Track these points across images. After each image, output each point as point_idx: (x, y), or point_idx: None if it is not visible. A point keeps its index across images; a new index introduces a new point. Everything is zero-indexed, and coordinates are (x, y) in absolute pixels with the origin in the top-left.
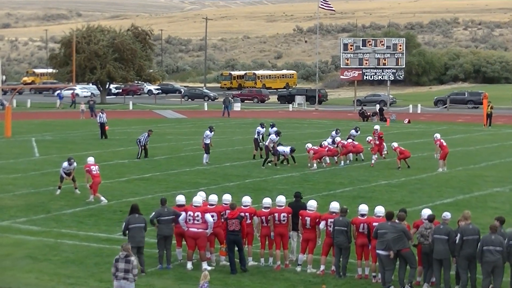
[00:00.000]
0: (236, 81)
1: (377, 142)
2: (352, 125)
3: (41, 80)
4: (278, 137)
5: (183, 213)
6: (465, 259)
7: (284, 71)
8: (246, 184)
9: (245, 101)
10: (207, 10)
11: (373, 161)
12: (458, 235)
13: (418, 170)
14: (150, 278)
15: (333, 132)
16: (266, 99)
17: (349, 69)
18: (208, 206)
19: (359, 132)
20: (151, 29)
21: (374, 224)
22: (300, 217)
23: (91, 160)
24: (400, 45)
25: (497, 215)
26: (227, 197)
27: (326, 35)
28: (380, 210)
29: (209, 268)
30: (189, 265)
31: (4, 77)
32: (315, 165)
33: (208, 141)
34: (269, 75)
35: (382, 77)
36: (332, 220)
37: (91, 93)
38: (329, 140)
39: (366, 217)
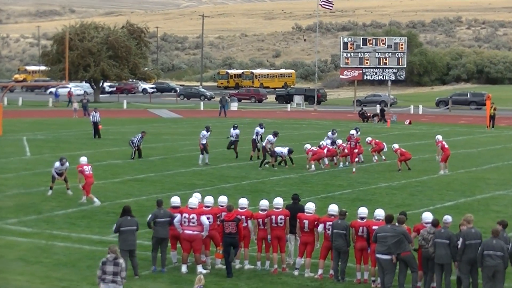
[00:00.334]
0: (233, 80)
1: (353, 147)
2: (352, 126)
3: (33, 78)
4: (275, 138)
5: (178, 215)
6: (467, 264)
7: (283, 70)
8: (243, 186)
9: (242, 101)
10: (203, 7)
11: (354, 169)
12: (461, 239)
13: (419, 172)
14: (144, 281)
15: (329, 133)
16: (264, 98)
17: (349, 69)
18: (204, 208)
19: (359, 133)
20: (147, 26)
21: (374, 227)
22: (298, 220)
23: (83, 160)
24: (402, 44)
25: (500, 218)
26: (223, 199)
27: (326, 34)
28: (379, 213)
29: (204, 271)
30: (184, 268)
31: None
32: (313, 166)
33: (204, 141)
34: (267, 74)
35: (383, 77)
36: (331, 223)
37: (84, 92)
38: (328, 141)
39: (365, 220)
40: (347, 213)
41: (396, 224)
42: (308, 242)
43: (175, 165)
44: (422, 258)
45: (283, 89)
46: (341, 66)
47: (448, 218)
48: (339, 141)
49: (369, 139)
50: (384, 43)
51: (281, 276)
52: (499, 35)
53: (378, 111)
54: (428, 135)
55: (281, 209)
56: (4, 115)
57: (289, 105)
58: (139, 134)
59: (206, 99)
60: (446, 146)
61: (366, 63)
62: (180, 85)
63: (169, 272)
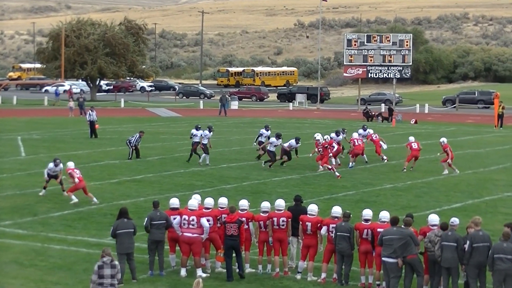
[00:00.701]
0: (234, 78)
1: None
2: (356, 125)
3: (28, 76)
4: (279, 140)
5: (178, 217)
6: (475, 267)
7: (284, 68)
8: (244, 187)
9: (243, 100)
10: (203, 3)
11: (337, 174)
12: (468, 242)
13: (425, 173)
14: (142, 285)
15: (333, 134)
16: (265, 97)
17: (352, 66)
18: (204, 210)
19: (367, 131)
20: (145, 22)
21: (379, 230)
22: (301, 222)
23: (71, 164)
24: (407, 41)
25: (508, 221)
26: (223, 201)
27: (329, 30)
28: (385, 215)
29: (204, 275)
30: (183, 271)
31: None
32: (321, 167)
33: (206, 141)
34: (269, 72)
35: (388, 75)
36: (334, 225)
37: (81, 90)
38: (339, 137)
39: (370, 222)
40: (351, 215)
41: (403, 226)
42: (310, 245)
43: (174, 166)
44: (428, 262)
45: (285, 87)
46: (344, 63)
47: (455, 220)
48: (356, 134)
49: (370, 131)
50: (389, 40)
51: (283, 280)
52: (507, 31)
53: (384, 110)
54: (434, 134)
55: (283, 211)
56: None
57: (291, 104)
58: (136, 134)
59: (205, 98)
60: (451, 149)
61: (371, 60)
62: (179, 83)
63: (168, 276)
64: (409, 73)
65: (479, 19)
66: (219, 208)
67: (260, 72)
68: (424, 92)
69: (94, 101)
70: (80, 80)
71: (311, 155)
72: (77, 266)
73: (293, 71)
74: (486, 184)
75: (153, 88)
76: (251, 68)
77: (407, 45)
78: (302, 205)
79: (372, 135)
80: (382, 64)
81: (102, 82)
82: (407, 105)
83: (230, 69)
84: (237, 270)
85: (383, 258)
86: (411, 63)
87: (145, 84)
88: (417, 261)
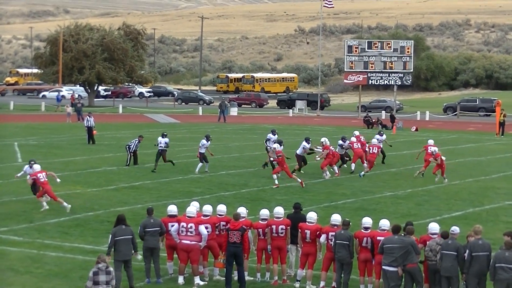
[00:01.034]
0: (233, 84)
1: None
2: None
3: (25, 81)
4: (281, 147)
5: (176, 224)
6: (475, 277)
7: (284, 74)
8: (243, 194)
9: (243, 106)
10: (203, 8)
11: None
12: (467, 251)
13: (426, 181)
14: None
15: (340, 141)
16: (265, 103)
17: (353, 73)
18: (202, 217)
19: (384, 136)
20: (144, 27)
21: (379, 238)
22: (300, 230)
23: (37, 167)
24: (408, 48)
25: (509, 229)
26: (222, 208)
27: (330, 36)
28: (385, 223)
29: (201, 283)
30: (181, 279)
31: None
32: (327, 172)
33: (203, 151)
34: (269, 78)
35: (389, 81)
36: (334, 233)
37: (79, 95)
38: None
39: (369, 230)
40: (350, 223)
41: (403, 234)
42: (309, 253)
43: (172, 172)
44: (428, 271)
45: (285, 93)
46: (345, 70)
47: (455, 229)
48: (376, 140)
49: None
50: (390, 47)
51: None
52: (509, 39)
53: (384, 117)
54: (436, 142)
55: (282, 219)
56: None
57: (291, 110)
58: (135, 139)
59: (205, 104)
60: (443, 158)
61: (371, 67)
62: (178, 89)
63: (165, 283)
64: (410, 80)
65: (481, 26)
66: (218, 216)
67: (260, 78)
68: (425, 99)
69: (92, 107)
70: (78, 85)
71: (318, 158)
72: (73, 273)
73: (293, 78)
74: (487, 192)
75: (152, 94)
76: (251, 74)
77: (408, 51)
78: (301, 212)
79: (354, 144)
80: (383, 70)
81: (100, 88)
82: (408, 112)
83: (229, 75)
84: (235, 278)
85: (383, 267)
86: (412, 70)
87: (143, 90)
88: (417, 270)
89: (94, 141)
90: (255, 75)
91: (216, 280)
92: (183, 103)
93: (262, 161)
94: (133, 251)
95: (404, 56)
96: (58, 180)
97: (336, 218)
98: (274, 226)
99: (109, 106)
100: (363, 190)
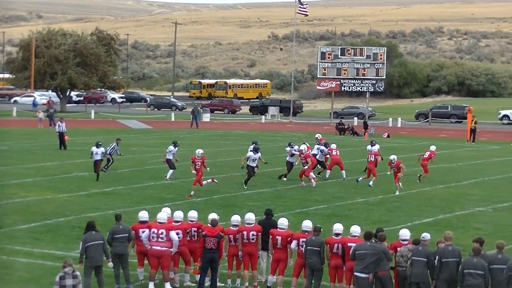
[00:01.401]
0: (206, 90)
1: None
2: (328, 139)
3: None
4: (257, 154)
5: (147, 230)
6: (444, 283)
7: (258, 80)
8: (215, 200)
9: (215, 112)
10: (176, 14)
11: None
12: (437, 257)
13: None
14: None
15: (321, 146)
16: (237, 109)
17: (326, 79)
18: (173, 223)
19: (375, 146)
20: (117, 33)
21: (350, 244)
22: (271, 236)
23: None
24: (381, 55)
25: (479, 236)
26: (193, 214)
27: (303, 43)
28: (356, 229)
29: None
30: (151, 286)
31: None
32: (313, 180)
33: (170, 157)
34: (241, 84)
35: (361, 88)
36: (305, 239)
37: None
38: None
39: (340, 237)
40: (321, 229)
41: (375, 241)
42: (280, 259)
43: (144, 178)
44: (398, 278)
45: (258, 100)
46: (318, 76)
47: (426, 235)
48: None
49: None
50: (363, 54)
51: None
52: (481, 46)
53: (356, 123)
54: (407, 148)
55: (253, 225)
56: None
57: (263, 116)
58: (113, 143)
59: (177, 110)
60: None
61: (344, 73)
62: (151, 95)
63: None
64: (383, 87)
65: (454, 33)
66: (189, 222)
67: (233, 85)
68: (398, 106)
69: (64, 112)
70: (50, 91)
71: (296, 163)
72: (44, 279)
73: (266, 84)
74: (458, 199)
75: (124, 99)
76: (224, 80)
77: (381, 58)
78: (273, 219)
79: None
80: (356, 77)
81: (73, 93)
82: (380, 119)
83: (202, 81)
84: (206, 284)
85: (355, 273)
86: (384, 77)
87: (116, 95)
88: (388, 278)
89: (65, 146)
90: (228, 81)
91: (186, 286)
92: (156, 109)
93: (234, 167)
94: (105, 258)
95: (377, 63)
96: None
97: (307, 224)
98: (245, 232)
99: (82, 112)
100: (335, 196)
